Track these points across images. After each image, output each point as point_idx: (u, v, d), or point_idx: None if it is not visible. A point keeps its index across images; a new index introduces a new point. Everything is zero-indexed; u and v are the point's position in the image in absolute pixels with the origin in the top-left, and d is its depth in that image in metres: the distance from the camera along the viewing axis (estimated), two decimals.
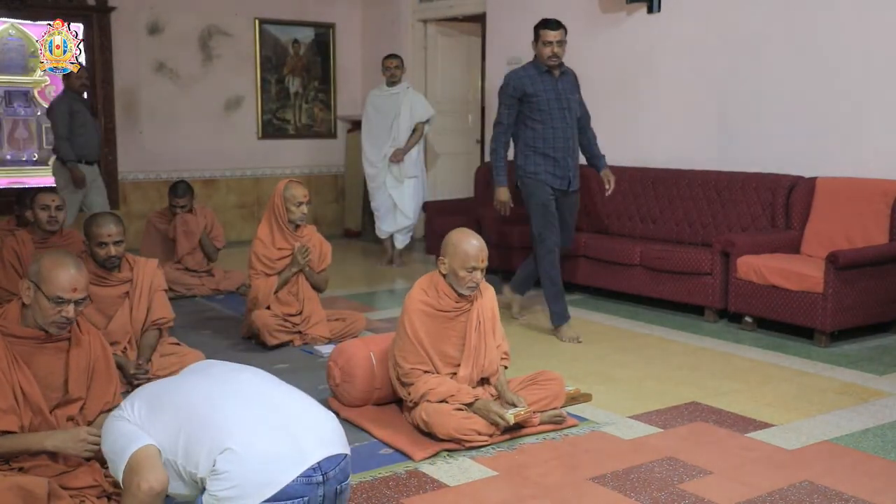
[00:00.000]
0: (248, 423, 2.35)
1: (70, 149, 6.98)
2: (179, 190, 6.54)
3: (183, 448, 2.34)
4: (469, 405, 3.59)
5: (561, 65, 5.27)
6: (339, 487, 2.43)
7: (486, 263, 3.65)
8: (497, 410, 3.56)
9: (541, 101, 5.19)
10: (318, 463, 2.36)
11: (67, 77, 7.13)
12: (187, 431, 2.35)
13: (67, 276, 2.78)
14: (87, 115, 7.16)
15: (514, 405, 3.65)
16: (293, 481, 2.30)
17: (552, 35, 5.19)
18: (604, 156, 5.59)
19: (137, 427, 2.40)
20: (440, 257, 3.68)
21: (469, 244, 3.62)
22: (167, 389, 2.50)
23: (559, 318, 5.30)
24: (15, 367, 2.76)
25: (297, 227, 5.17)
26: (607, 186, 5.55)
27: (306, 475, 2.33)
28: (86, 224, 4.14)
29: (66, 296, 2.77)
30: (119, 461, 2.37)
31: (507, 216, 5.55)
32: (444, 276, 3.68)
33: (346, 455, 2.49)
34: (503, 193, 5.37)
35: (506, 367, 3.85)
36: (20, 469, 2.74)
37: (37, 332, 2.83)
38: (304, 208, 5.11)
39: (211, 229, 6.62)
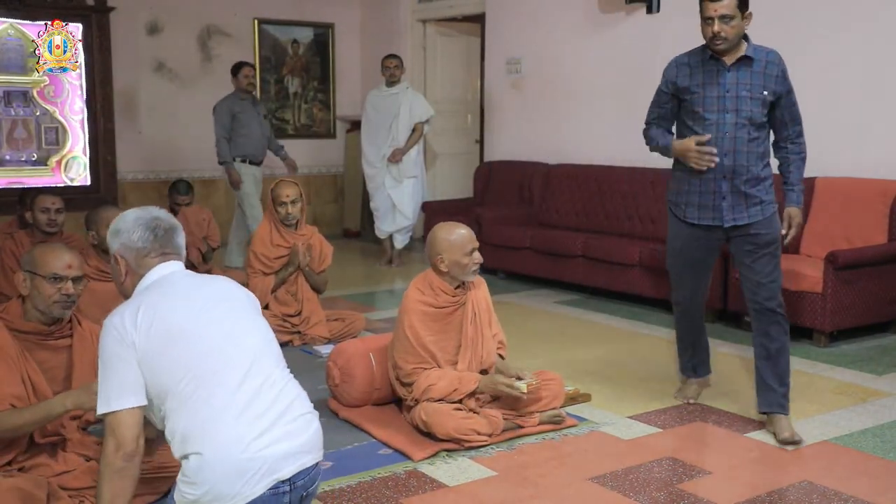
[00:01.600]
0: (230, 419, 2.32)
1: (227, 149, 7.16)
2: (182, 188, 6.52)
3: (168, 408, 2.33)
4: (473, 394, 3.59)
5: (745, 44, 3.68)
6: (304, 493, 2.43)
7: (478, 243, 3.72)
8: (505, 381, 3.56)
9: (695, 100, 3.71)
10: (290, 476, 2.37)
11: (235, 76, 7.30)
12: (179, 400, 2.32)
13: (59, 255, 2.86)
14: (251, 115, 7.27)
15: (520, 378, 3.63)
16: (261, 494, 2.31)
17: (711, 8, 3.67)
18: (798, 187, 3.85)
19: (137, 364, 2.31)
20: (437, 257, 3.68)
21: (458, 233, 3.68)
22: (176, 334, 2.36)
23: (683, 370, 4.20)
24: (22, 358, 2.80)
25: (296, 226, 5.17)
26: (784, 231, 3.88)
27: (275, 487, 2.33)
28: (90, 214, 4.23)
29: (61, 272, 2.83)
30: (104, 393, 2.31)
31: (713, 162, 3.65)
32: (444, 273, 3.68)
33: (318, 463, 2.48)
34: (682, 144, 3.74)
35: (502, 357, 3.85)
36: (20, 469, 2.74)
37: (39, 326, 2.85)
38: (290, 207, 5.08)
39: (206, 228, 6.59)
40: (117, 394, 2.30)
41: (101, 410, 2.31)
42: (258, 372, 2.42)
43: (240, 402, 2.34)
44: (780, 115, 3.74)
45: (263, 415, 2.36)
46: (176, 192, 6.50)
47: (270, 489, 2.31)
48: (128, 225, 2.54)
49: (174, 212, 6.48)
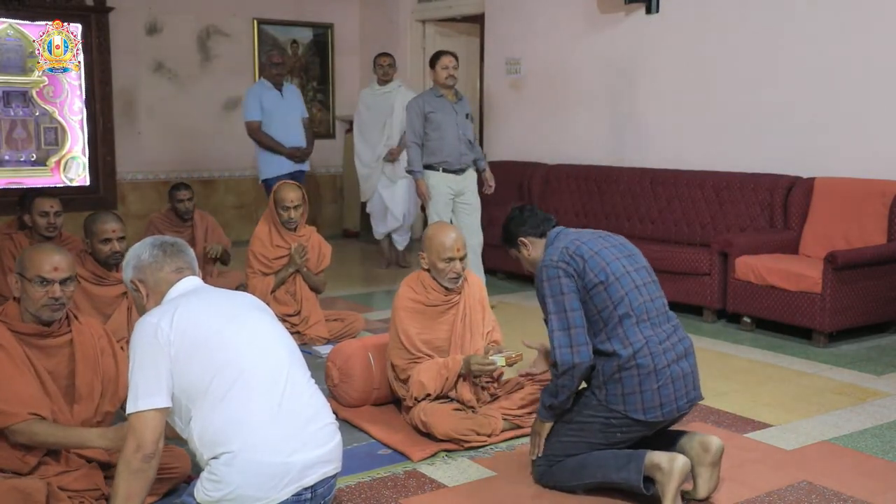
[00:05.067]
0: (261, 422, 2.38)
1: (417, 156, 6.07)
2: (182, 186, 6.10)
3: (198, 409, 2.38)
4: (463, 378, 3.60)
5: None
6: (323, 502, 2.50)
7: (462, 253, 3.67)
8: (481, 360, 3.54)
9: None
10: (313, 484, 2.43)
11: (432, 67, 6.20)
12: (211, 400, 2.37)
13: (47, 257, 2.82)
14: (447, 115, 6.08)
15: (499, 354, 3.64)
16: (285, 499, 2.37)
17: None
18: None
19: (168, 364, 2.35)
20: (421, 253, 3.73)
21: (445, 236, 3.65)
22: (210, 336, 2.42)
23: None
24: (27, 358, 2.80)
25: (296, 228, 5.16)
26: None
27: (298, 493, 2.39)
28: (87, 222, 4.15)
29: (48, 276, 2.79)
30: (132, 391, 2.36)
31: None
32: (427, 270, 3.70)
33: (338, 472, 2.56)
34: None
35: None
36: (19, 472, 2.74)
37: (37, 326, 2.85)
38: (293, 212, 5.05)
39: (214, 234, 6.33)
40: (145, 393, 2.35)
41: (129, 410, 2.36)
42: (289, 379, 2.50)
43: (272, 407, 2.41)
44: None
45: (293, 421, 2.44)
46: (176, 190, 6.05)
47: (294, 495, 2.38)
48: (136, 250, 2.62)
49: (180, 216, 6.04)
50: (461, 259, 3.66)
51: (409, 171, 6.25)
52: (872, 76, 5.55)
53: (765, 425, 3.81)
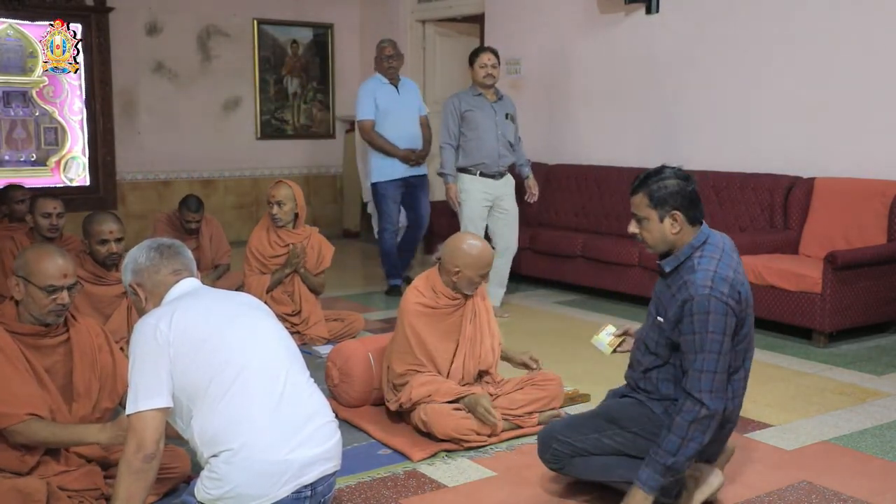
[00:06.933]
0: (260, 420, 2.38)
1: (451, 159, 5.76)
2: (192, 205, 5.86)
3: (199, 408, 2.38)
4: (455, 401, 3.58)
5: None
6: (322, 500, 2.51)
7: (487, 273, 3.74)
8: (487, 406, 3.52)
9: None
10: (312, 482, 2.44)
11: (471, 65, 5.90)
12: (211, 399, 2.38)
13: (55, 264, 2.80)
14: (483, 116, 5.76)
15: (526, 365, 3.79)
16: (284, 497, 2.38)
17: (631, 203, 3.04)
18: None
19: (168, 364, 2.36)
20: (454, 268, 3.62)
21: (489, 253, 3.69)
22: (209, 336, 2.42)
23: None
24: (24, 358, 2.79)
25: (291, 226, 5.14)
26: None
27: (297, 491, 2.40)
28: (85, 222, 4.15)
29: (57, 283, 2.79)
30: (132, 392, 2.36)
31: None
32: (454, 281, 3.66)
33: (337, 470, 2.57)
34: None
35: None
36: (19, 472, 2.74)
37: (35, 327, 2.84)
38: (276, 208, 5.03)
39: (218, 243, 6.16)
40: (145, 394, 2.35)
41: (129, 411, 2.36)
42: (288, 378, 2.52)
43: (272, 406, 2.43)
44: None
45: (293, 420, 2.45)
46: (186, 210, 5.88)
47: (293, 493, 2.39)
48: (133, 253, 2.62)
49: (187, 229, 5.90)
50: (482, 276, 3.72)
51: (441, 174, 5.88)
52: (872, 77, 5.55)
53: (765, 425, 3.81)
